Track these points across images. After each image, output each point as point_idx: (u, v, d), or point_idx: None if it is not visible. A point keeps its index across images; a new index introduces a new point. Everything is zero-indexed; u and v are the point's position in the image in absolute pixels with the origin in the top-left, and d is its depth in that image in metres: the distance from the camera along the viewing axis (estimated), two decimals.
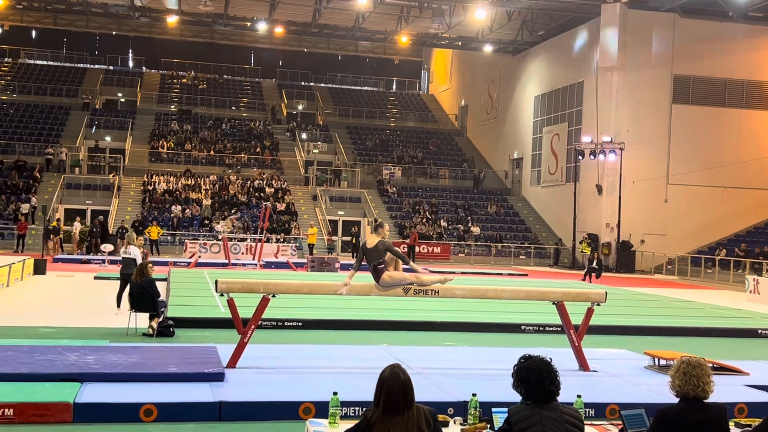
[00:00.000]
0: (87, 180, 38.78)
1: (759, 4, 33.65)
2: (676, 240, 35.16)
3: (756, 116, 36.85)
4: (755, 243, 33.53)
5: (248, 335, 8.99)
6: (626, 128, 35.27)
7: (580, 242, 35.05)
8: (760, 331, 15.28)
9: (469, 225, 39.52)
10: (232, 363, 8.84)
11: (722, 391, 6.14)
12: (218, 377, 8.19)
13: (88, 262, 28.03)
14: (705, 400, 4.44)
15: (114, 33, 51.94)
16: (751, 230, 35.98)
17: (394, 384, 4.13)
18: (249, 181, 40.31)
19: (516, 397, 4.35)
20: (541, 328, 14.12)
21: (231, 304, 8.99)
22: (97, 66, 54.36)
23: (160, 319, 11.98)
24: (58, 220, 33.43)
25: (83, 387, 7.53)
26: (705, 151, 35.68)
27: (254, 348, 9.59)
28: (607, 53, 35.15)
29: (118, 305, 14.26)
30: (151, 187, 38.44)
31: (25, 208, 33.90)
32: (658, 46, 35.50)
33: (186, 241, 33.24)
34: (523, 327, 14.21)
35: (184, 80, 53.12)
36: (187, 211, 36.80)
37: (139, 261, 13.58)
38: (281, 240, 34.97)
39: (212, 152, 43.51)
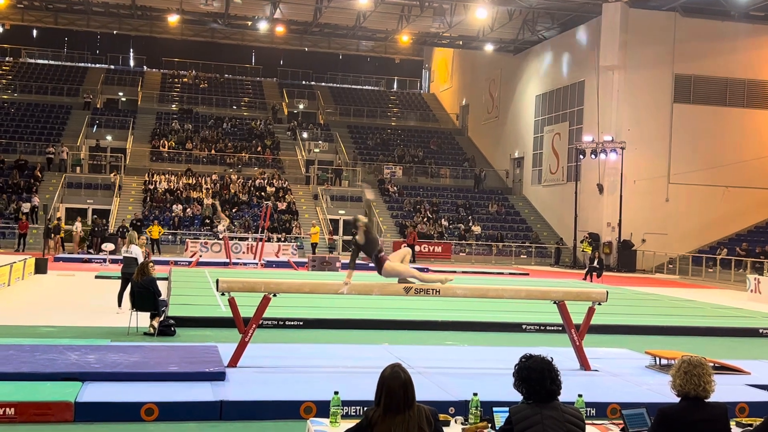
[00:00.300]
0: (88, 179, 38.79)
1: (760, 4, 33.62)
2: (677, 239, 35.14)
3: (757, 115, 36.83)
4: (756, 242, 33.52)
5: (249, 334, 8.99)
6: (627, 127, 35.26)
7: (581, 241, 35.03)
8: (761, 331, 15.27)
9: (470, 224, 39.51)
10: (233, 362, 8.84)
11: (723, 390, 6.14)
12: (219, 376, 8.18)
13: (89, 261, 28.05)
14: (706, 400, 4.44)
15: (115, 32, 51.93)
16: (752, 229, 35.96)
17: (395, 383, 4.13)
18: (250, 181, 40.33)
19: (517, 397, 4.35)
20: (542, 328, 14.12)
21: (232, 303, 8.99)
22: (98, 65, 54.38)
23: (161, 319, 11.98)
24: (59, 219, 33.45)
25: (84, 386, 7.53)
26: (706, 151, 35.65)
27: (255, 347, 9.59)
28: (608, 52, 35.13)
29: (119, 304, 14.27)
30: (152, 187, 38.45)
31: (26, 207, 33.92)
32: (659, 46, 35.46)
33: (187, 240, 33.26)
34: (524, 326, 14.20)
35: (185, 79, 53.12)
36: (188, 210, 36.82)
37: (141, 260, 13.57)
38: (282, 239, 34.98)
39: (213, 151, 43.52)
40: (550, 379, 4.22)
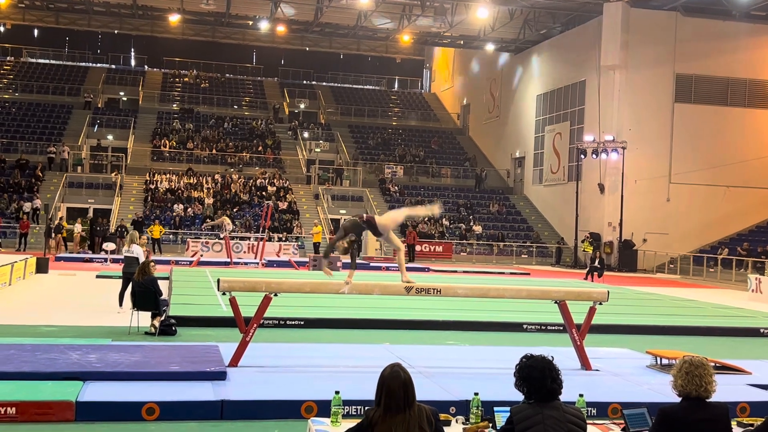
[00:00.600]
0: (89, 179, 38.81)
1: (761, 3, 33.61)
2: (678, 239, 35.12)
3: (758, 115, 36.80)
4: (757, 242, 33.49)
5: (250, 334, 8.99)
6: (628, 127, 35.25)
7: (582, 241, 35.00)
8: (762, 331, 15.26)
9: (471, 224, 39.50)
10: (234, 362, 8.84)
11: (724, 390, 6.13)
12: (220, 376, 8.19)
13: (90, 260, 28.06)
14: (707, 400, 4.44)
15: (116, 32, 51.93)
16: (754, 229, 35.93)
17: (395, 383, 4.13)
18: (251, 180, 40.33)
19: (518, 396, 4.35)
20: (543, 327, 14.11)
21: (233, 302, 8.99)
22: (99, 65, 54.40)
23: (162, 318, 11.98)
24: (61, 218, 33.46)
25: (85, 386, 7.53)
26: (707, 150, 35.63)
27: (256, 347, 9.59)
28: (609, 52, 35.12)
29: (121, 304, 14.27)
30: (153, 186, 38.47)
31: (27, 207, 33.94)
32: (661, 45, 35.43)
33: (188, 239, 33.28)
34: (525, 326, 14.19)
35: (186, 79, 53.12)
36: (189, 209, 36.83)
37: (142, 260, 13.57)
38: (283, 239, 35.00)
39: (214, 151, 43.53)
40: (551, 379, 4.22)
